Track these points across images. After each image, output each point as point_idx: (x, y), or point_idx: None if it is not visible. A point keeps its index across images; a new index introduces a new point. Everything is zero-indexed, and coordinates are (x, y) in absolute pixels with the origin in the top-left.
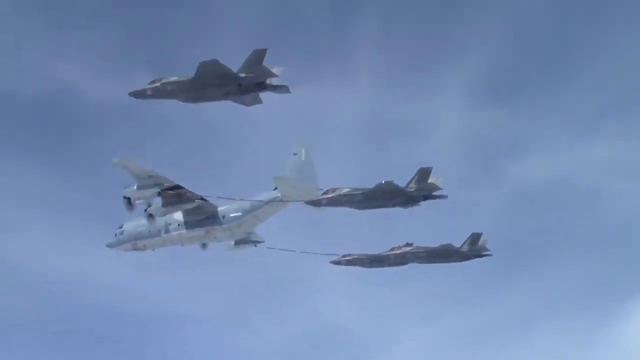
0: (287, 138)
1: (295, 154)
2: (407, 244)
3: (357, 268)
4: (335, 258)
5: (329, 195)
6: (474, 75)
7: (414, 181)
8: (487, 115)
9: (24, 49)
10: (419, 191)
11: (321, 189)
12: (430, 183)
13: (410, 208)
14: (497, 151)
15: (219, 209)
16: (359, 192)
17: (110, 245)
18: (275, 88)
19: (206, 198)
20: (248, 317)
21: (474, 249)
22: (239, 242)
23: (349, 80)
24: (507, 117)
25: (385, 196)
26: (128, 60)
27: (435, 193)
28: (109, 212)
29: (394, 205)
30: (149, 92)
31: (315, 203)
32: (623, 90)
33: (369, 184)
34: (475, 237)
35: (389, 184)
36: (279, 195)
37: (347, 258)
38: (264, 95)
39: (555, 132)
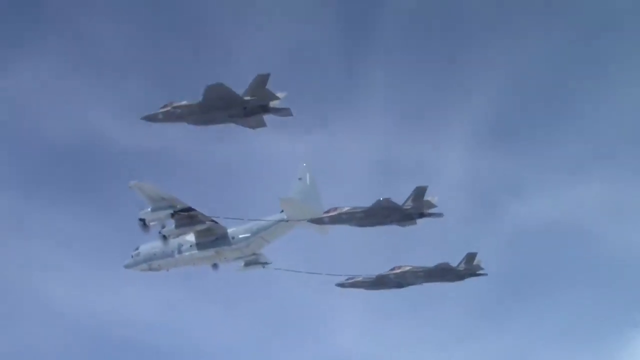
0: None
1: (300, 179)
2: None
3: (362, 290)
4: (340, 281)
5: (331, 214)
6: (476, 120)
7: (410, 199)
8: (489, 157)
9: (60, 100)
10: (415, 209)
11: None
12: (426, 201)
13: (407, 226)
14: (498, 192)
15: (229, 230)
16: (359, 209)
17: (127, 266)
18: (278, 111)
19: (216, 220)
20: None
21: (469, 267)
22: (248, 264)
23: (360, 125)
24: (507, 160)
25: (383, 213)
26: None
27: (430, 211)
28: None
29: (391, 222)
30: (160, 116)
31: (318, 221)
32: (616, 135)
33: None
34: (470, 257)
35: (387, 200)
36: (285, 217)
37: (351, 281)
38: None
39: (552, 174)
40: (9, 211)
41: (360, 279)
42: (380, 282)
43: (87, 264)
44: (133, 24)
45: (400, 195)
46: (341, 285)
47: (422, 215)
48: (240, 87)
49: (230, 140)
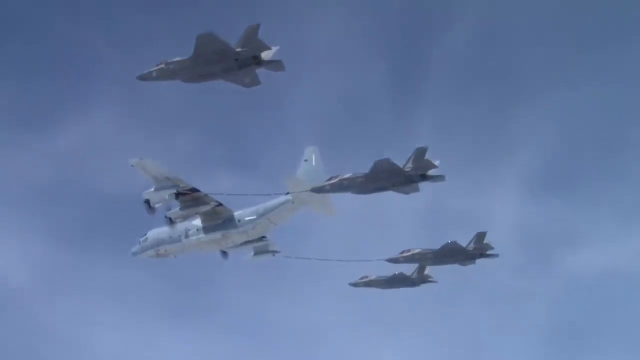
0: (352, 234)
1: (306, 160)
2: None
3: (375, 290)
4: (353, 281)
5: (332, 181)
6: (528, 169)
7: (410, 160)
8: (541, 207)
9: (113, 154)
10: (416, 170)
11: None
12: (426, 160)
13: (410, 193)
14: (551, 242)
15: (235, 213)
16: (360, 174)
17: (134, 253)
18: (270, 64)
19: (222, 203)
20: None
21: (479, 247)
22: (257, 252)
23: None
24: (560, 209)
25: (384, 176)
26: (206, 161)
27: (431, 172)
28: (184, 304)
29: (393, 186)
30: (154, 74)
31: (320, 189)
32: None
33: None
34: (480, 236)
35: (386, 161)
36: (291, 198)
37: (364, 280)
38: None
39: (608, 223)
40: (64, 265)
41: (373, 277)
42: (394, 281)
43: (140, 318)
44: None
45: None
46: (354, 284)
47: (423, 177)
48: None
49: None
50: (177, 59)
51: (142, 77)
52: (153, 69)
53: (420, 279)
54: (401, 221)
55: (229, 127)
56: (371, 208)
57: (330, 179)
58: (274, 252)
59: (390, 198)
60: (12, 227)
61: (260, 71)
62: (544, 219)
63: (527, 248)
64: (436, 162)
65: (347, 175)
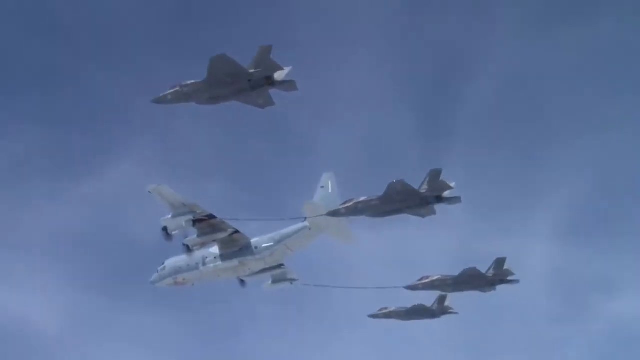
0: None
1: (322, 187)
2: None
3: (395, 321)
4: (372, 312)
5: (347, 205)
6: (560, 215)
7: (425, 182)
8: (575, 252)
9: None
10: (431, 191)
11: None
12: (442, 181)
13: (426, 216)
14: (587, 288)
15: (252, 240)
16: (375, 197)
17: (153, 282)
18: (283, 84)
19: (239, 230)
20: None
21: (499, 273)
22: (275, 281)
23: (438, 220)
24: (595, 254)
25: (399, 198)
26: (237, 207)
27: (447, 194)
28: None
29: (409, 209)
30: (169, 97)
31: (335, 213)
32: None
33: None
34: (500, 262)
35: (400, 183)
36: (308, 225)
37: (383, 311)
38: None
39: None
40: (97, 313)
41: (393, 309)
42: (414, 312)
43: None
44: (217, 128)
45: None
46: (374, 316)
47: (438, 199)
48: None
49: None
50: (191, 81)
51: (157, 101)
52: (168, 92)
53: (441, 310)
54: (429, 265)
55: (258, 173)
56: (399, 250)
57: (345, 202)
58: (292, 280)
59: (419, 240)
60: (46, 273)
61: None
62: (578, 264)
63: (562, 294)
64: (452, 184)
65: (362, 199)
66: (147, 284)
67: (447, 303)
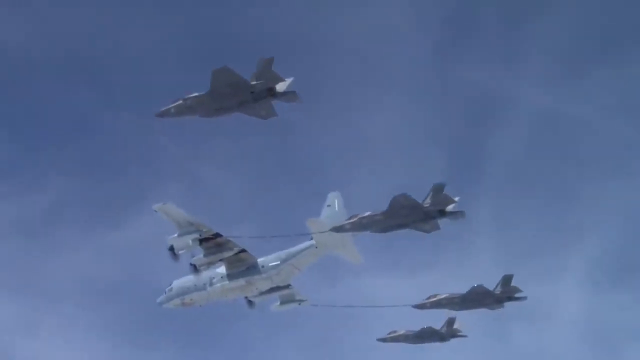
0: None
1: (329, 206)
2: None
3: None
4: (381, 336)
5: (352, 220)
6: (592, 259)
7: (429, 197)
8: (608, 299)
9: None
10: (434, 205)
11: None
12: (445, 195)
13: (430, 232)
14: (620, 336)
15: (259, 260)
16: (379, 212)
17: (160, 303)
18: (284, 95)
19: (246, 249)
20: None
21: (506, 290)
22: (284, 302)
23: (468, 266)
24: (629, 302)
25: (403, 212)
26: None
27: (450, 208)
28: None
29: (413, 223)
30: (173, 110)
31: (339, 229)
32: None
33: None
34: (507, 279)
35: (404, 197)
36: (314, 243)
37: (392, 335)
38: None
39: None
40: None
41: (402, 332)
42: (422, 336)
43: None
44: (245, 174)
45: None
46: (382, 340)
47: (441, 213)
48: None
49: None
50: (194, 94)
51: (161, 114)
52: (171, 105)
53: (450, 333)
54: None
55: (287, 219)
56: (423, 295)
57: (350, 218)
58: (300, 300)
59: (449, 287)
60: (74, 322)
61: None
62: (612, 311)
63: (594, 341)
64: (456, 198)
65: (366, 214)
66: (155, 305)
67: (456, 326)
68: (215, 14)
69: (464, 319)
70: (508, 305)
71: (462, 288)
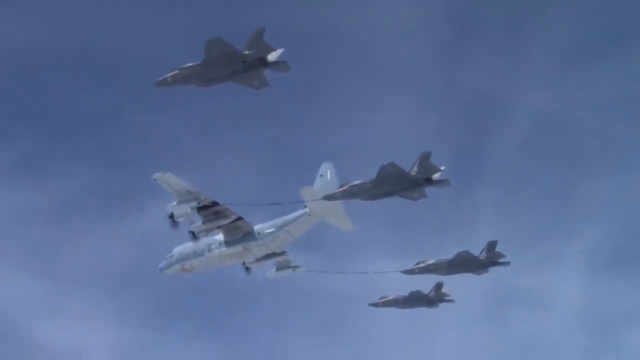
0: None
1: (321, 176)
2: None
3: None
4: (373, 301)
5: (342, 188)
6: (591, 250)
7: (415, 165)
8: (607, 286)
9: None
10: (421, 173)
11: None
12: (431, 164)
13: (417, 199)
14: (618, 323)
15: (255, 227)
16: (368, 180)
17: (161, 269)
18: (276, 65)
19: (242, 217)
20: None
21: (491, 256)
22: (279, 268)
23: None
24: (626, 289)
25: (391, 181)
26: None
27: (436, 177)
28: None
29: (401, 191)
30: (169, 80)
31: (331, 197)
32: None
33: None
34: (492, 244)
35: (392, 165)
36: (307, 211)
37: (383, 300)
38: None
39: None
40: (143, 345)
41: (392, 297)
42: (412, 299)
43: None
44: (261, 165)
45: (512, 324)
46: (374, 305)
47: (428, 181)
48: None
49: None
50: (189, 64)
51: (158, 83)
52: (168, 75)
53: (438, 297)
54: (461, 302)
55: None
56: (430, 285)
57: (341, 186)
58: (295, 267)
59: (457, 278)
60: (95, 306)
61: None
62: (609, 299)
63: (592, 328)
64: (441, 167)
65: (356, 182)
66: (157, 270)
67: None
68: (223, 11)
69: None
70: (508, 292)
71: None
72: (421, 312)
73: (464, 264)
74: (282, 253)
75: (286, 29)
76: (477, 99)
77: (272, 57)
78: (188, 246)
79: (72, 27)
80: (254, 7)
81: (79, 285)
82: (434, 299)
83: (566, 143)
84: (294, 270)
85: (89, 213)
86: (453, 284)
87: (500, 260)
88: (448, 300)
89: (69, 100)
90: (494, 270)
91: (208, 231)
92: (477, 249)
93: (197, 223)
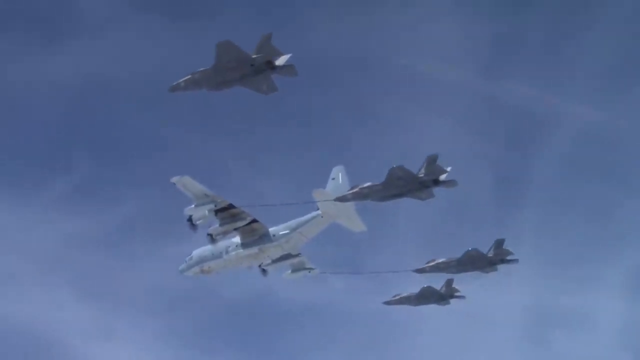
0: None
1: (333, 179)
2: None
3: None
4: (387, 299)
5: (353, 191)
6: (635, 267)
7: (423, 167)
8: None
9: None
10: (428, 175)
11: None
12: (438, 166)
13: (425, 199)
14: None
15: (270, 229)
16: (378, 183)
17: (181, 271)
18: (283, 69)
19: (258, 219)
20: None
21: (499, 253)
22: (295, 270)
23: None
24: None
25: (400, 183)
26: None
27: (443, 178)
28: None
29: (409, 192)
30: (182, 84)
31: (342, 199)
32: None
33: None
34: (499, 242)
35: (400, 168)
36: (320, 212)
37: (396, 298)
38: None
39: None
40: None
41: (405, 295)
42: (423, 296)
43: None
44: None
45: (552, 347)
46: (388, 303)
47: (435, 182)
48: None
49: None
50: (201, 69)
51: (173, 88)
52: (181, 80)
53: (449, 293)
54: (500, 321)
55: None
56: (470, 303)
57: (351, 188)
58: (309, 269)
59: (491, 298)
60: (143, 328)
61: None
62: None
63: (635, 350)
64: (447, 168)
65: (366, 184)
66: (177, 273)
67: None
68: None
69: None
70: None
71: (502, 295)
72: (462, 334)
73: (473, 261)
74: (297, 255)
75: (338, 52)
76: (519, 118)
77: (279, 61)
78: (207, 249)
79: (126, 57)
80: (307, 30)
81: (129, 307)
82: (445, 294)
83: (608, 162)
84: (309, 272)
85: (140, 237)
86: (493, 304)
87: (508, 258)
88: (459, 297)
89: (120, 127)
90: (524, 284)
91: (225, 234)
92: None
93: (215, 226)
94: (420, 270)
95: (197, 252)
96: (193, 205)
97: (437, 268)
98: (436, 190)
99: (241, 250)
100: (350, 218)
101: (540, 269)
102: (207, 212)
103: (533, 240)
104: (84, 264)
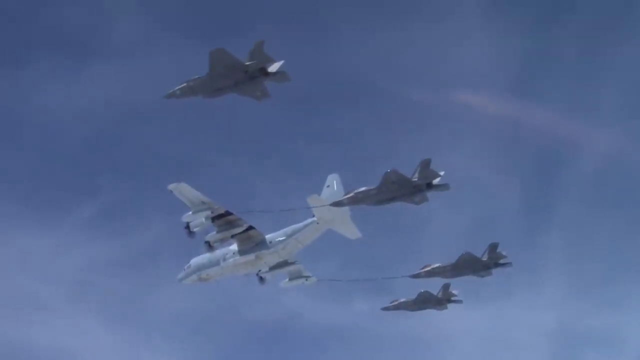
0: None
1: (328, 186)
2: None
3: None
4: (384, 305)
5: (349, 195)
6: None
7: (417, 172)
8: None
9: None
10: (422, 179)
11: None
12: (431, 170)
13: (419, 204)
14: None
15: (266, 236)
16: (372, 187)
17: (180, 279)
18: (276, 75)
19: (254, 226)
20: None
21: (492, 257)
22: (292, 278)
23: (536, 294)
24: None
25: (394, 187)
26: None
27: (436, 182)
28: None
29: (403, 196)
30: (178, 92)
31: (338, 204)
32: None
33: None
34: (493, 247)
35: (394, 172)
36: (315, 219)
37: (394, 303)
38: None
39: None
40: None
41: (402, 300)
42: (420, 301)
43: None
44: None
45: None
46: (386, 309)
47: (429, 186)
48: None
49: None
50: (196, 76)
51: (168, 96)
52: (177, 87)
53: (446, 297)
54: (525, 343)
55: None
56: (498, 326)
57: (347, 193)
58: (306, 277)
59: (520, 318)
60: (171, 354)
61: None
62: None
63: None
64: (441, 173)
65: (361, 189)
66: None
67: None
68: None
69: None
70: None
71: (530, 317)
72: (491, 357)
73: (467, 265)
74: (294, 262)
75: (368, 68)
76: (546, 141)
77: (272, 68)
78: (204, 257)
79: (149, 80)
80: (334, 47)
81: (153, 332)
82: (442, 299)
83: (636, 186)
84: (306, 280)
85: (165, 262)
86: (520, 327)
87: (502, 262)
88: (456, 301)
89: (148, 151)
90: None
91: (222, 241)
92: (548, 289)
93: (212, 233)
94: (416, 276)
95: (195, 261)
96: (190, 212)
97: (433, 273)
98: (461, 211)
99: (238, 257)
100: (346, 224)
101: (567, 291)
102: (204, 219)
103: (560, 263)
104: (108, 288)
